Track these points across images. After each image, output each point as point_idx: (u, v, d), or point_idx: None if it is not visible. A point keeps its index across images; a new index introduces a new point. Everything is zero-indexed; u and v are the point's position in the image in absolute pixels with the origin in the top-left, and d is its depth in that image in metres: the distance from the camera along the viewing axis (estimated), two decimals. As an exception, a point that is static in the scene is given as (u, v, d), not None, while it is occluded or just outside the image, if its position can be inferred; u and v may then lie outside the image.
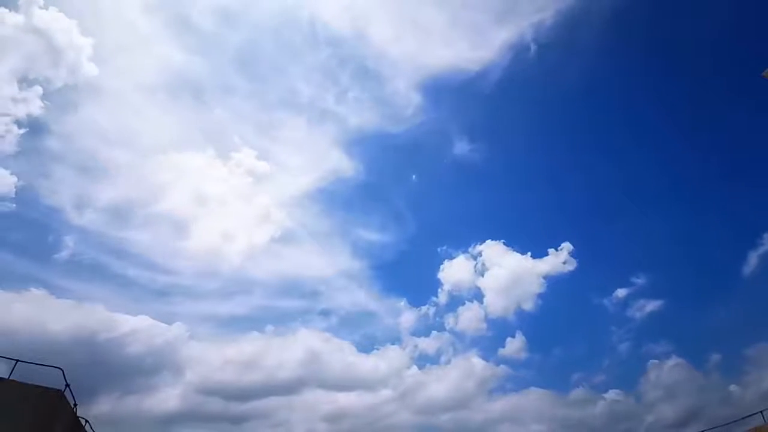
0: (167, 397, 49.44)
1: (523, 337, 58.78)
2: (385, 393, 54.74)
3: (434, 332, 61.05)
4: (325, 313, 65.32)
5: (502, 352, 58.41)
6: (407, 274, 75.54)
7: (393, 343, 62.41)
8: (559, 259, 59.69)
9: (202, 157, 65.08)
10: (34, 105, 53.00)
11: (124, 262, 58.11)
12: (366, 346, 63.44)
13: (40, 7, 51.84)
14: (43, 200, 54.87)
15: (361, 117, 72.18)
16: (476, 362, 57.63)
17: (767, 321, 56.66)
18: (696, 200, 68.21)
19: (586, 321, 65.52)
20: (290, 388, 54.77)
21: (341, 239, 71.34)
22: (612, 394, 52.03)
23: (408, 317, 63.08)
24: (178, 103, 66.77)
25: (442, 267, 64.82)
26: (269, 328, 60.58)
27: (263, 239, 64.51)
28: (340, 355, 58.56)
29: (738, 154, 65.82)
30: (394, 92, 71.85)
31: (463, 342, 60.72)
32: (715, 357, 53.33)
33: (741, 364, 54.18)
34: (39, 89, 53.23)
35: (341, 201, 77.89)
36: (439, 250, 69.47)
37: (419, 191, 76.69)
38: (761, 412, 18.15)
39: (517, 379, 59.47)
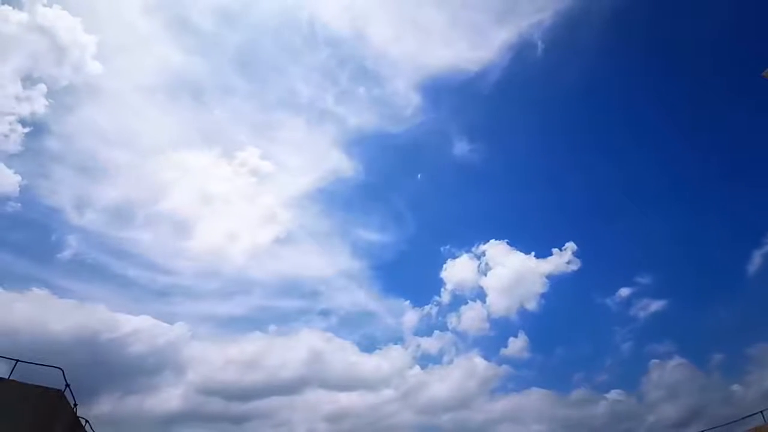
0: (168, 397, 49.66)
1: (526, 337, 58.81)
2: (387, 393, 54.85)
3: (437, 332, 61.09)
4: (325, 313, 65.52)
5: (504, 351, 58.45)
6: (408, 273, 75.70)
7: (395, 343, 62.47)
8: (563, 259, 59.68)
9: (206, 157, 65.35)
10: (38, 103, 53.03)
11: (124, 263, 58.44)
12: (366, 346, 63.41)
13: (44, 5, 51.85)
14: (42, 200, 55.12)
15: (361, 117, 72.32)
16: (478, 362, 57.71)
17: (768, 321, 56.73)
18: (696, 200, 68.33)
19: (589, 321, 65.61)
20: (292, 388, 54.97)
21: (341, 239, 71.51)
22: (614, 394, 52.21)
23: (411, 317, 63.17)
24: (177, 103, 66.90)
25: (444, 266, 64.88)
26: (271, 327, 60.85)
27: (266, 239, 64.81)
28: (342, 354, 58.70)
29: (738, 154, 65.93)
30: (393, 92, 71.98)
31: (465, 342, 60.76)
32: (717, 357, 53.51)
33: (743, 363, 54.51)
34: (43, 87, 53.28)
35: (341, 201, 78.20)
36: (442, 249, 69.49)
37: (419, 191, 76.89)
38: (761, 412, 18.15)
39: (518, 379, 59.60)
